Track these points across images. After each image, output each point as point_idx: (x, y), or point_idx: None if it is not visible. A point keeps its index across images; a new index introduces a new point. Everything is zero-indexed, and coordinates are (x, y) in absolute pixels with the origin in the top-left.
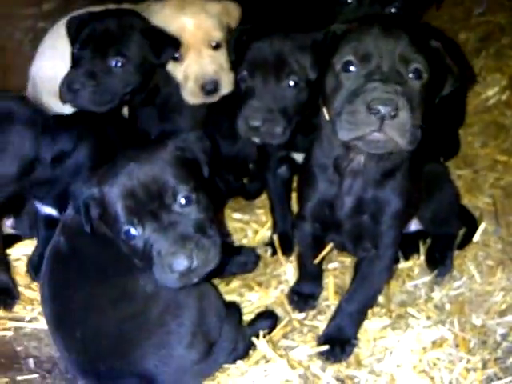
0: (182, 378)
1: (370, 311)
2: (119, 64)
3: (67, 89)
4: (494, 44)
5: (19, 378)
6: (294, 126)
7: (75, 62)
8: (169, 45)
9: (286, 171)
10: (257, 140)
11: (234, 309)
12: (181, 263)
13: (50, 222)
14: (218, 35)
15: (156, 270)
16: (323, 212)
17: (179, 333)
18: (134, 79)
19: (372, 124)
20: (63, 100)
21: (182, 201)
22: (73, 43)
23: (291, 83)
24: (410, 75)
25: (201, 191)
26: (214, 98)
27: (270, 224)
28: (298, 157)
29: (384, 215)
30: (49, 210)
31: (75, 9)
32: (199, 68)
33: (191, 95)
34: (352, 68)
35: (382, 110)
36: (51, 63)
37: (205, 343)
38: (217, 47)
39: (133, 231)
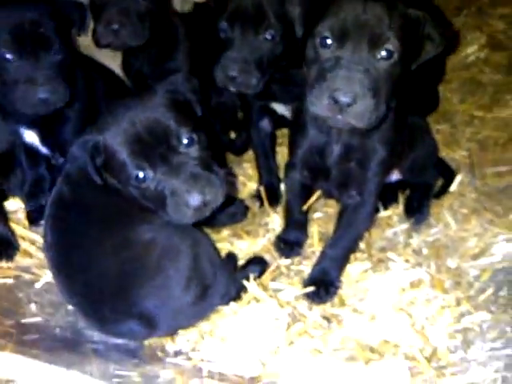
0: (178, 318)
1: (352, 256)
2: None
3: None
4: (474, 2)
5: (23, 321)
6: (268, 77)
7: None
8: None
9: (268, 124)
10: (232, 89)
11: (229, 256)
12: (196, 199)
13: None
14: None
15: (170, 209)
16: (313, 159)
17: (176, 276)
18: None
19: (333, 109)
20: None
21: (185, 141)
22: None
23: (268, 37)
24: (381, 55)
25: (199, 131)
26: None
27: (256, 177)
28: (278, 107)
29: (369, 163)
30: (32, 138)
31: None
32: None
33: None
34: (328, 42)
35: (342, 99)
36: None
37: (200, 286)
38: None
39: (143, 175)
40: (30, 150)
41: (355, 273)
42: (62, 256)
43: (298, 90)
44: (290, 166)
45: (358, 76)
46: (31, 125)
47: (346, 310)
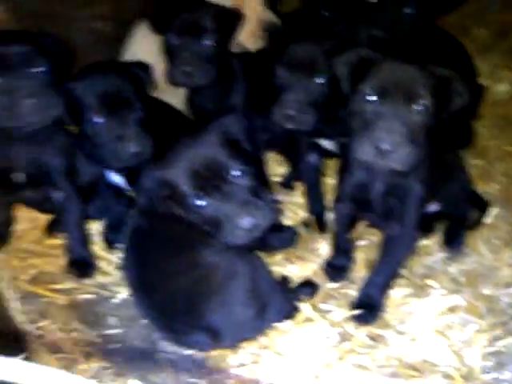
0: (239, 333)
1: (395, 282)
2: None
3: None
4: (506, 41)
5: (106, 332)
6: (319, 116)
7: None
8: None
9: (317, 158)
10: (290, 126)
11: (283, 278)
12: (247, 221)
13: (117, 192)
14: None
15: (225, 231)
16: (358, 194)
17: (237, 294)
18: None
19: (376, 155)
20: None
21: (236, 173)
22: None
23: (320, 81)
24: (416, 109)
25: (248, 164)
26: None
27: (306, 206)
28: (325, 143)
29: (408, 198)
30: (117, 179)
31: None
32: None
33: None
34: (371, 98)
35: (384, 147)
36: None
37: (258, 304)
38: None
39: (201, 203)
40: (113, 186)
41: (398, 297)
42: (139, 276)
43: (343, 128)
44: (337, 199)
45: (397, 127)
46: (119, 171)
47: (389, 331)
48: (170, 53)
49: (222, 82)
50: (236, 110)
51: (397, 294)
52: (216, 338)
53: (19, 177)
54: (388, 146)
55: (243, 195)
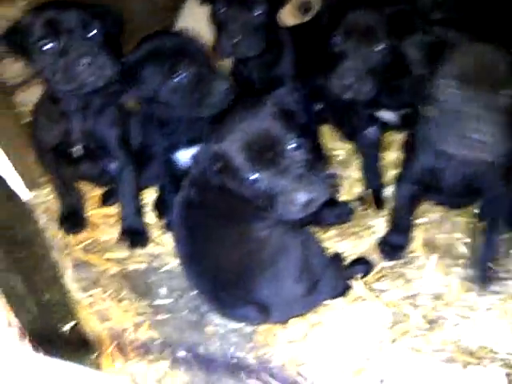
0: (289, 308)
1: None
2: None
3: None
4: None
5: (156, 302)
6: (379, 85)
7: None
8: None
9: (375, 131)
10: (348, 96)
11: (336, 255)
12: (302, 197)
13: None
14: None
15: (279, 206)
16: (424, 178)
17: (288, 270)
18: None
19: (465, 147)
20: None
21: (291, 147)
22: None
23: (378, 49)
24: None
25: (303, 136)
26: (309, 17)
27: (362, 181)
28: (385, 115)
29: (485, 182)
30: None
31: None
32: None
33: (288, 17)
34: (453, 87)
35: (477, 138)
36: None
37: (309, 281)
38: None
39: (255, 177)
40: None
41: (460, 278)
42: (191, 248)
43: (406, 98)
44: (401, 178)
45: (488, 116)
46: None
47: (447, 313)
48: (219, 23)
49: (271, 52)
50: (285, 81)
51: (459, 275)
52: (265, 313)
53: (77, 151)
54: (481, 137)
55: (299, 169)
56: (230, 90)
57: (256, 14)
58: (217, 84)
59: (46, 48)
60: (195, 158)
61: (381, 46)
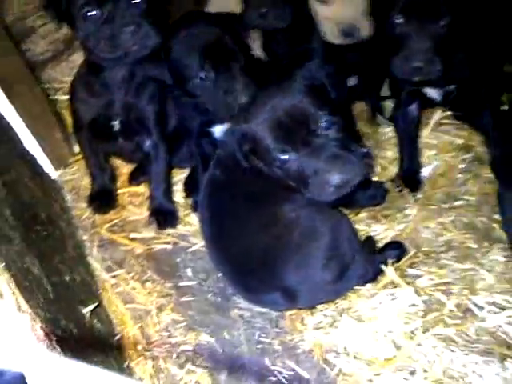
0: (317, 294)
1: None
2: None
3: None
4: None
5: (181, 283)
6: (445, 60)
7: None
8: None
9: (417, 109)
10: (417, 79)
11: (368, 238)
12: (336, 178)
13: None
14: None
15: (312, 188)
16: None
17: (316, 255)
18: None
19: None
20: None
21: (324, 124)
22: None
23: (443, 23)
24: None
25: (336, 113)
26: (352, 41)
27: (397, 161)
28: (431, 92)
29: None
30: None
31: None
32: (343, 14)
33: (331, 36)
34: None
35: None
36: None
37: (338, 266)
38: None
39: (286, 157)
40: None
41: (500, 261)
42: (216, 230)
43: (456, 74)
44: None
45: None
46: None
47: (483, 301)
48: None
49: (300, 25)
50: (315, 55)
51: (499, 258)
52: (291, 298)
53: (116, 125)
54: None
55: (332, 148)
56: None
57: None
58: (238, 89)
59: (89, 15)
60: (223, 136)
61: (446, 20)
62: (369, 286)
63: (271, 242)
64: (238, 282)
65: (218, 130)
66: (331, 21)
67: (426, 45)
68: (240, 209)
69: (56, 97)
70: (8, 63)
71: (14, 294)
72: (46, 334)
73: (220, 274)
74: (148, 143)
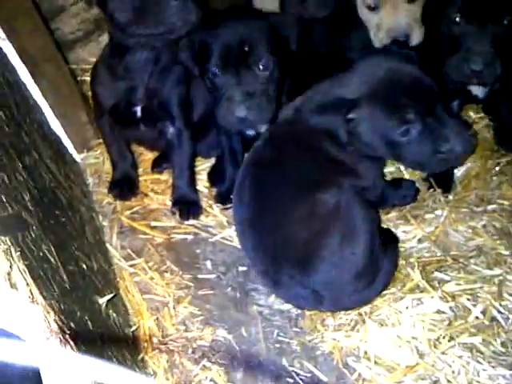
0: (343, 300)
1: None
2: None
3: None
4: None
5: (200, 276)
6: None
7: None
8: None
9: (457, 106)
10: (475, 82)
11: (395, 240)
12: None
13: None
14: None
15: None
16: None
17: (351, 261)
18: None
19: None
20: None
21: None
22: None
23: (505, 22)
24: None
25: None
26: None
27: None
28: (475, 89)
29: None
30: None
31: None
32: (393, 21)
33: (381, 44)
34: None
35: None
36: None
37: (371, 275)
38: (412, 0)
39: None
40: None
41: None
42: (255, 214)
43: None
44: None
45: None
46: None
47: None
48: None
49: (342, 17)
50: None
51: None
52: (317, 300)
53: (138, 111)
54: None
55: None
56: (248, 121)
57: None
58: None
59: None
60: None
61: (507, 20)
62: (394, 289)
63: (309, 239)
64: (266, 271)
65: None
66: (381, 28)
67: (487, 47)
68: (284, 195)
69: (83, 78)
70: (36, 42)
71: (28, 285)
72: (60, 328)
73: (241, 269)
74: (171, 130)
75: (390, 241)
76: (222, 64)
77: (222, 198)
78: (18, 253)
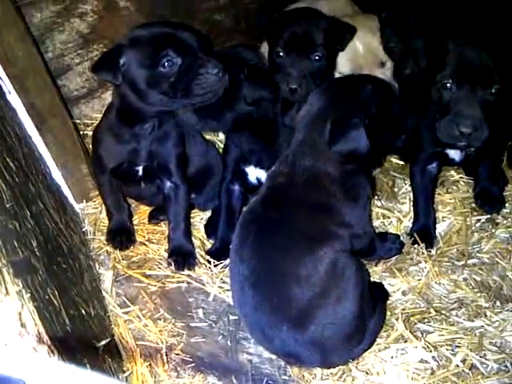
0: (333, 359)
1: None
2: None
3: None
4: None
5: (192, 324)
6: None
7: None
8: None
9: (436, 168)
10: (462, 144)
11: (384, 295)
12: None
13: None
14: (383, 54)
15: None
16: None
17: (342, 322)
18: None
19: None
20: None
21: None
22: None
23: (494, 91)
24: None
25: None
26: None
27: (411, 215)
28: (453, 153)
29: None
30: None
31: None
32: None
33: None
34: None
35: None
36: None
37: (360, 335)
38: (383, 65)
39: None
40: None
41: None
42: (256, 271)
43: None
44: None
45: None
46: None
47: (493, 359)
48: None
49: None
50: None
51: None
52: (309, 358)
53: (139, 171)
54: None
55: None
56: None
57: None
58: None
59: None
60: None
61: (495, 88)
62: (380, 339)
63: (309, 299)
64: (267, 332)
65: (252, 173)
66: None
67: (476, 111)
68: (285, 253)
69: (86, 132)
70: (44, 98)
71: (36, 325)
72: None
73: (232, 317)
74: (168, 185)
75: (379, 296)
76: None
77: (214, 257)
78: (29, 294)
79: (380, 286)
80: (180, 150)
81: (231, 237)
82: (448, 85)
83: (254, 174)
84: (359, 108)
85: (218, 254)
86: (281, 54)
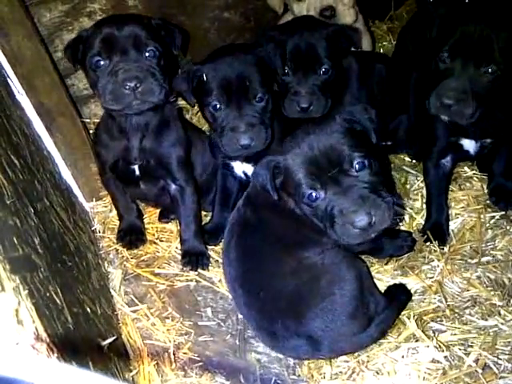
0: (341, 345)
1: None
2: None
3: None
4: None
5: (200, 323)
6: (482, 110)
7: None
8: None
9: (450, 162)
10: (445, 117)
11: (407, 295)
12: (362, 219)
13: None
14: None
15: (337, 228)
16: None
17: (343, 303)
18: None
19: None
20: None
21: (357, 166)
22: None
23: (489, 70)
24: None
25: (372, 157)
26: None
27: (424, 212)
28: (468, 144)
29: None
30: (247, 168)
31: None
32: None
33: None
34: None
35: None
36: None
37: (365, 317)
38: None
39: (315, 194)
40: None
41: None
42: (242, 272)
43: (494, 128)
44: None
45: None
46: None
47: (506, 359)
48: None
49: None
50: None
51: None
52: (315, 347)
53: (135, 170)
54: None
55: (361, 190)
56: (248, 147)
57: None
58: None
59: (99, 64)
60: (255, 170)
61: (492, 69)
62: (391, 338)
63: (300, 288)
64: (261, 326)
65: (237, 167)
66: (311, 11)
67: (462, 84)
68: (267, 251)
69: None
70: (53, 97)
71: (34, 322)
72: (66, 361)
73: (240, 316)
74: (173, 187)
75: (401, 294)
76: (223, 98)
77: (208, 237)
78: (26, 291)
79: (403, 286)
80: (180, 151)
81: (226, 217)
82: (443, 58)
83: (240, 168)
84: None
85: (213, 233)
86: (288, 72)
